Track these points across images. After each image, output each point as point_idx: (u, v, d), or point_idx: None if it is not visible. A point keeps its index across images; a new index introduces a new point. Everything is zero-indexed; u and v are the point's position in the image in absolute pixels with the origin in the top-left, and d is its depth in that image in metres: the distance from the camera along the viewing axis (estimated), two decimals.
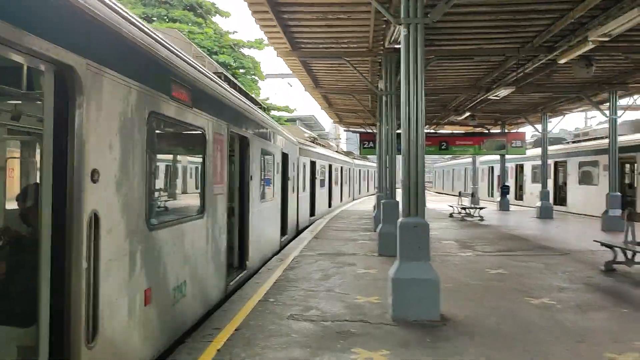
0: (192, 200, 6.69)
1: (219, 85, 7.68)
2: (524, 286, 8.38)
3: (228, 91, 8.21)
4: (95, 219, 3.91)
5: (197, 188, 6.78)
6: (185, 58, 6.26)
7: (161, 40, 5.45)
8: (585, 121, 51.37)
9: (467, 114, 19.58)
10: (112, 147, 4.15)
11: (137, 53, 4.64)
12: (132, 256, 4.54)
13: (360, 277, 9.10)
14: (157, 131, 5.48)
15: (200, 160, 6.80)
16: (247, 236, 9.41)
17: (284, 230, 15.16)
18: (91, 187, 3.84)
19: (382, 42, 11.86)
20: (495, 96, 15.03)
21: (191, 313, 6.12)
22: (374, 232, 16.41)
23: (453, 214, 22.60)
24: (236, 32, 49.06)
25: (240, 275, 8.88)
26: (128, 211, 4.44)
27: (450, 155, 58.71)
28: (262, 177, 11.48)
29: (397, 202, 12.27)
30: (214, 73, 8.29)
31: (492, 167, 39.15)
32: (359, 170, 45.58)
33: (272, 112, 34.97)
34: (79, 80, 3.67)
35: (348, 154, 43.85)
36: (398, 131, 12.99)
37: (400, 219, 6.85)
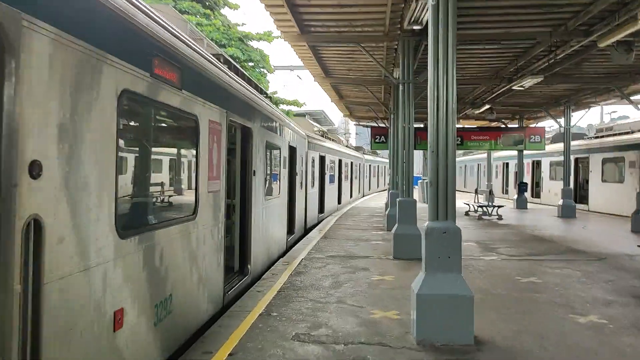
0: (181, 198, 5.72)
1: (217, 67, 6.69)
2: (564, 299, 7.34)
3: (228, 75, 7.22)
4: (37, 227, 2.94)
5: (187, 185, 5.82)
6: (174, 31, 5.27)
7: (141, 6, 4.46)
8: (601, 116, 49.92)
9: (486, 106, 18.44)
10: (62, 132, 3.17)
11: (101, 14, 3.66)
12: (95, 271, 3.57)
13: (375, 286, 8.10)
14: (133, 114, 4.50)
15: (192, 152, 5.83)
16: (249, 238, 8.44)
17: (290, 229, 14.20)
18: (29, 185, 2.87)
19: (399, 25, 10.87)
20: (520, 86, 13.94)
21: (178, 333, 5.16)
22: (387, 231, 15.42)
23: (469, 212, 21.51)
24: (244, 24, 48.10)
25: (240, 282, 7.93)
26: (88, 215, 3.47)
27: (462, 151, 57.59)
28: (267, 172, 10.51)
29: (415, 200, 11.24)
30: (212, 55, 7.29)
31: (507, 163, 37.92)
32: (369, 165, 44.52)
33: (281, 107, 33.99)
34: (12, 39, 2.70)
35: (358, 149, 42.82)
36: (415, 125, 12.59)
37: (427, 223, 5.84)
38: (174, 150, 5.85)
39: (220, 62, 7.55)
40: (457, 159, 40.12)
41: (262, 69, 32.82)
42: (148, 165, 4.94)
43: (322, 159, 20.93)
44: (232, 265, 8.38)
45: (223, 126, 6.75)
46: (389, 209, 16.16)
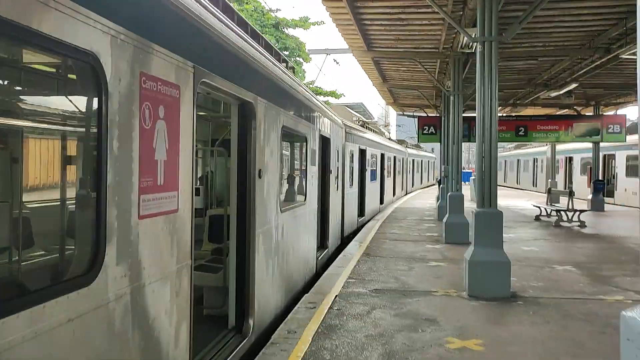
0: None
1: None
2: None
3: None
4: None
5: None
6: None
7: None
8: None
9: (573, 85, 14.68)
10: None
11: None
12: None
13: None
14: None
15: (83, 130, 2.79)
16: (251, 279, 5.34)
17: (323, 242, 11.07)
18: None
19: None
20: (632, 54, 10.32)
21: None
22: (447, 244, 12.09)
23: (541, 217, 17.82)
24: (279, 9, 45.33)
25: (240, 345, 4.89)
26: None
27: (513, 143, 52.95)
28: (287, 172, 7.45)
29: (499, 212, 7.79)
30: None
31: (570, 158, 33.71)
32: (412, 160, 40.86)
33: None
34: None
35: (400, 142, 39.23)
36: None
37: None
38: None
39: None
40: (507, 153, 37.12)
41: (297, 58, 30.07)
42: None
43: (362, 153, 17.70)
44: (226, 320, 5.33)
45: (186, 90, 3.67)
46: (447, 216, 12.80)
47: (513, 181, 47.88)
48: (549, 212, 17.54)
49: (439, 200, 17.80)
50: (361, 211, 17.91)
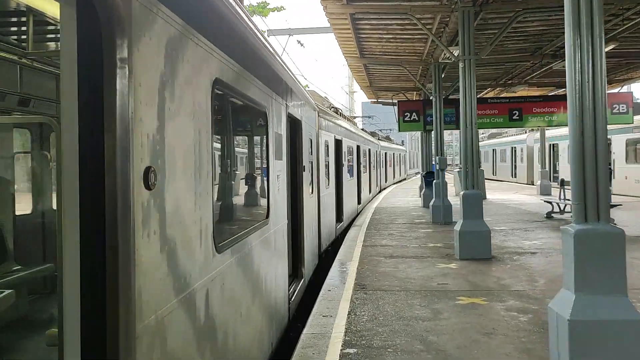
0: None
1: None
2: None
3: None
4: None
5: None
6: None
7: None
8: None
9: (611, 45, 11.48)
10: None
11: None
12: None
13: None
14: None
15: None
16: None
17: (296, 269, 7.67)
18: None
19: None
20: None
21: None
22: (462, 259, 8.91)
23: (553, 214, 14.82)
24: None
25: None
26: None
27: (488, 132, 50.15)
28: (227, 171, 4.06)
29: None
30: None
31: (554, 145, 31.28)
32: (385, 153, 37.79)
33: None
34: None
35: (372, 134, 36.06)
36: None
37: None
38: None
39: None
40: (483, 143, 34.32)
41: None
42: None
43: (338, 144, 14.38)
44: None
45: None
46: (460, 221, 9.53)
47: (489, 172, 45.27)
48: (562, 208, 14.58)
49: (433, 199, 14.64)
50: (339, 216, 14.60)
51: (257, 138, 5.04)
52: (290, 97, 6.73)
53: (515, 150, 39.03)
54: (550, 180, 27.64)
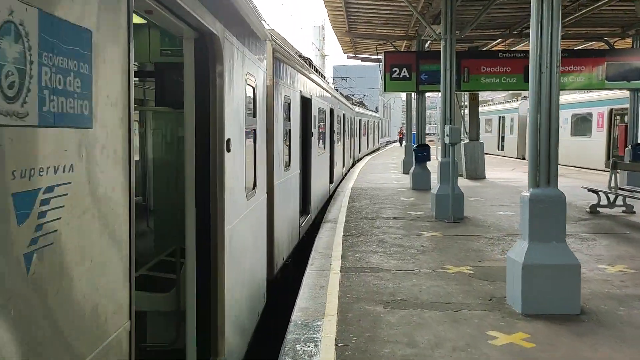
0: None
1: None
2: None
3: None
4: None
5: None
6: None
7: None
8: None
9: None
10: None
11: None
12: None
13: None
14: None
15: None
16: None
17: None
18: None
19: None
20: None
21: None
22: (521, 313, 4.72)
23: (599, 207, 10.81)
24: None
25: None
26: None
27: (465, 101, 45.58)
28: None
29: None
30: None
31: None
32: (359, 120, 33.42)
33: None
34: None
35: (347, 98, 31.43)
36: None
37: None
38: None
39: None
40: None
41: None
42: None
43: (305, 105, 10.05)
44: None
45: None
46: (525, 244, 5.34)
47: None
48: (613, 200, 10.60)
49: (439, 185, 10.43)
50: (305, 207, 10.33)
51: None
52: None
53: (503, 120, 35.17)
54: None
